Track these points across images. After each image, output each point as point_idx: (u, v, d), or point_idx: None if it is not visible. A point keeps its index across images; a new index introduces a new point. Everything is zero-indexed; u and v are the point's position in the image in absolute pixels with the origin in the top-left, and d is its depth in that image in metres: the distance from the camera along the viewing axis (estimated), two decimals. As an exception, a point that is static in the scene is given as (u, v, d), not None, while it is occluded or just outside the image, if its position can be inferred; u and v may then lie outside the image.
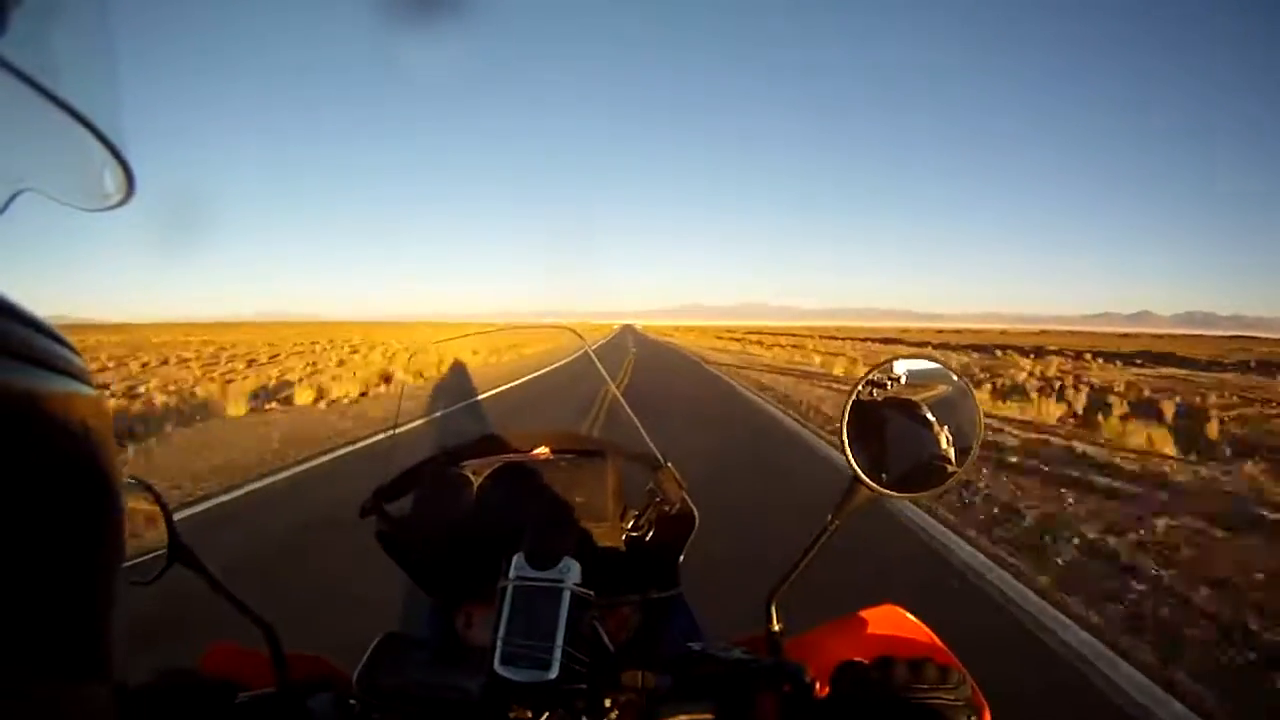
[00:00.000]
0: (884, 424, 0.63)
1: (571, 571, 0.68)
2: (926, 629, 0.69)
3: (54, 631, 0.21)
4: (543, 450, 1.08)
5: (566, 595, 0.67)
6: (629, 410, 1.09)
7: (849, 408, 0.62)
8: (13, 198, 0.25)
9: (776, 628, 0.67)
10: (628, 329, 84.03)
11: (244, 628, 0.73)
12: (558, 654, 0.63)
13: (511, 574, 0.69)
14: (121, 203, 0.28)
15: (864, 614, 0.71)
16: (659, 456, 0.97)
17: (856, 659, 0.59)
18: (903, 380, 0.63)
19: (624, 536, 0.94)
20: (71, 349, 0.24)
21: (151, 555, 0.68)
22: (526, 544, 0.71)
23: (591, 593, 0.69)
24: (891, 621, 0.69)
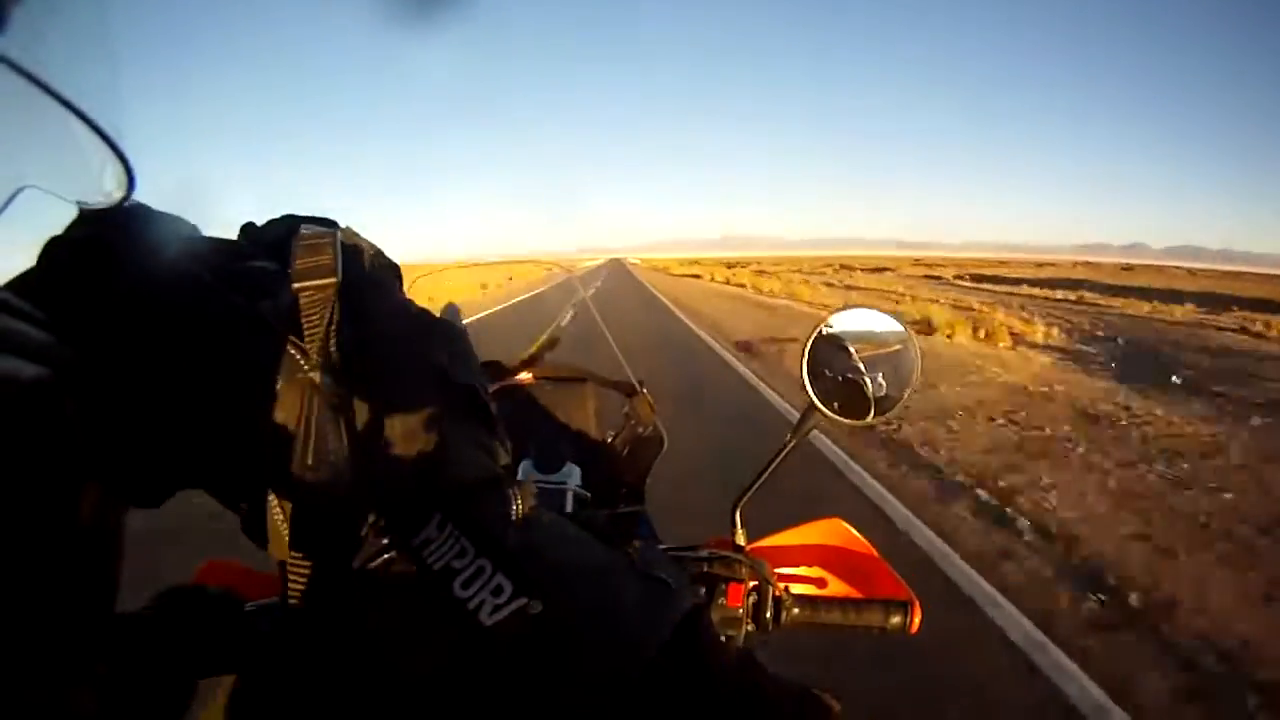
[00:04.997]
0: (836, 362, 0.72)
1: (574, 475, 0.76)
2: (865, 540, 0.77)
3: (46, 631, 0.21)
4: (526, 376, 1.12)
5: (570, 495, 0.74)
6: (611, 341, 1.11)
7: (809, 346, 0.71)
8: (14, 194, 0.25)
9: (741, 533, 0.72)
10: (615, 264, 65.40)
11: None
12: None
13: (520, 477, 0.72)
14: (122, 199, 0.28)
15: (810, 525, 0.78)
16: (635, 383, 1.02)
17: (805, 565, 0.69)
18: (854, 326, 0.72)
19: (602, 455, 1.01)
20: (42, 325, 0.23)
21: None
22: (533, 451, 0.77)
23: (589, 494, 0.76)
24: (836, 534, 0.77)
